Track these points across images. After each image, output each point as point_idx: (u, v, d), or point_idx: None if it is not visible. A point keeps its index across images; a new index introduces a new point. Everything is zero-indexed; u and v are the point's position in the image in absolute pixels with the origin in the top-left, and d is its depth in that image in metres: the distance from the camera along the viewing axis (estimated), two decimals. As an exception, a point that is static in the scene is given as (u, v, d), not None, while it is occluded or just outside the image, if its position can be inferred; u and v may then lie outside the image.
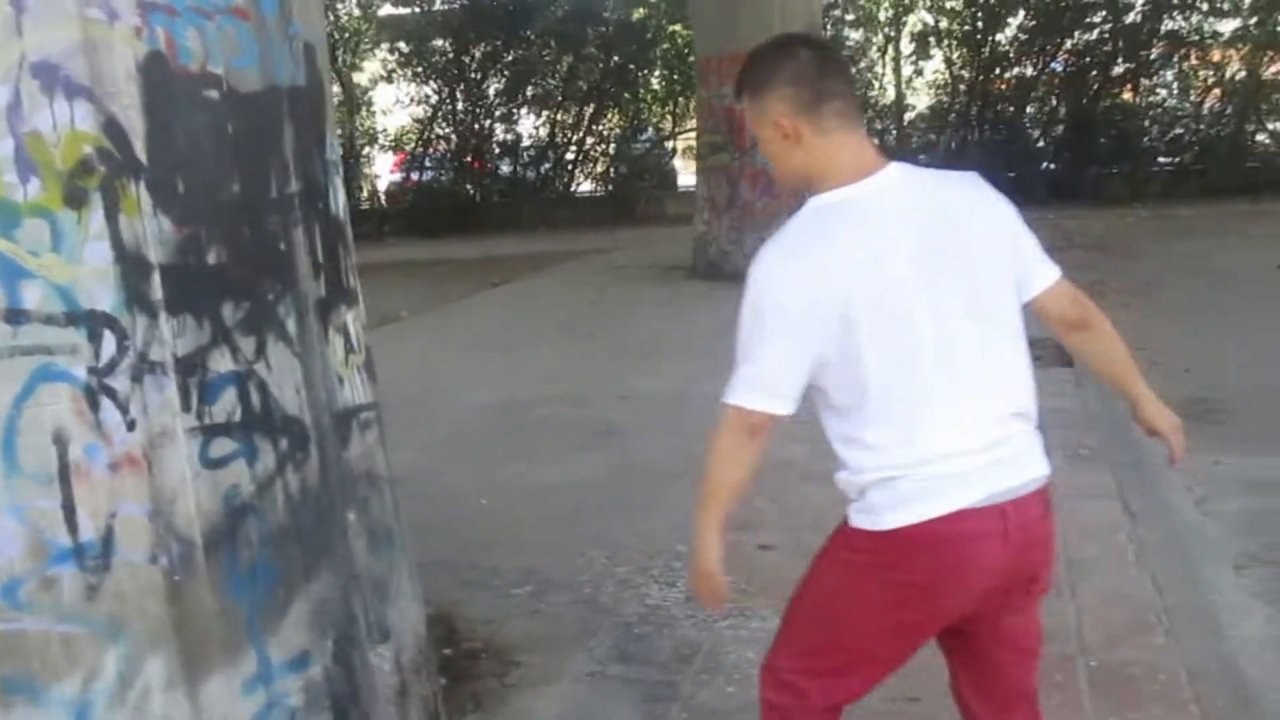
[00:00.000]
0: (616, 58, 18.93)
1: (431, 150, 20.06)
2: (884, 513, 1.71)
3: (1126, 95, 18.25)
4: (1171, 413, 2.05)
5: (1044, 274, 1.90)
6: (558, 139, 19.75)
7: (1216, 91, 17.76)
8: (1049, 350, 6.28)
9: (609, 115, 19.91)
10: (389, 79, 19.75)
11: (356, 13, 19.71)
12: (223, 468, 1.93)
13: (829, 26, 18.84)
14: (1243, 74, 17.34)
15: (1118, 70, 17.97)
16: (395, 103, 20.18)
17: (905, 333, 1.69)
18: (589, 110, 19.54)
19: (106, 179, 1.77)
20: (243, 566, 1.98)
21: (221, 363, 1.92)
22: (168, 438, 1.85)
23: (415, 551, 3.74)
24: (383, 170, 21.44)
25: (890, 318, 1.68)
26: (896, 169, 1.74)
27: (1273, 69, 17.34)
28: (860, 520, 1.75)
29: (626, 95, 19.42)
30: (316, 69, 2.20)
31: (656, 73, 19.63)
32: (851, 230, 1.69)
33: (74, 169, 1.74)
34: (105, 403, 1.79)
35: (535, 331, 8.06)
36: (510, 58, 18.99)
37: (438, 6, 19.15)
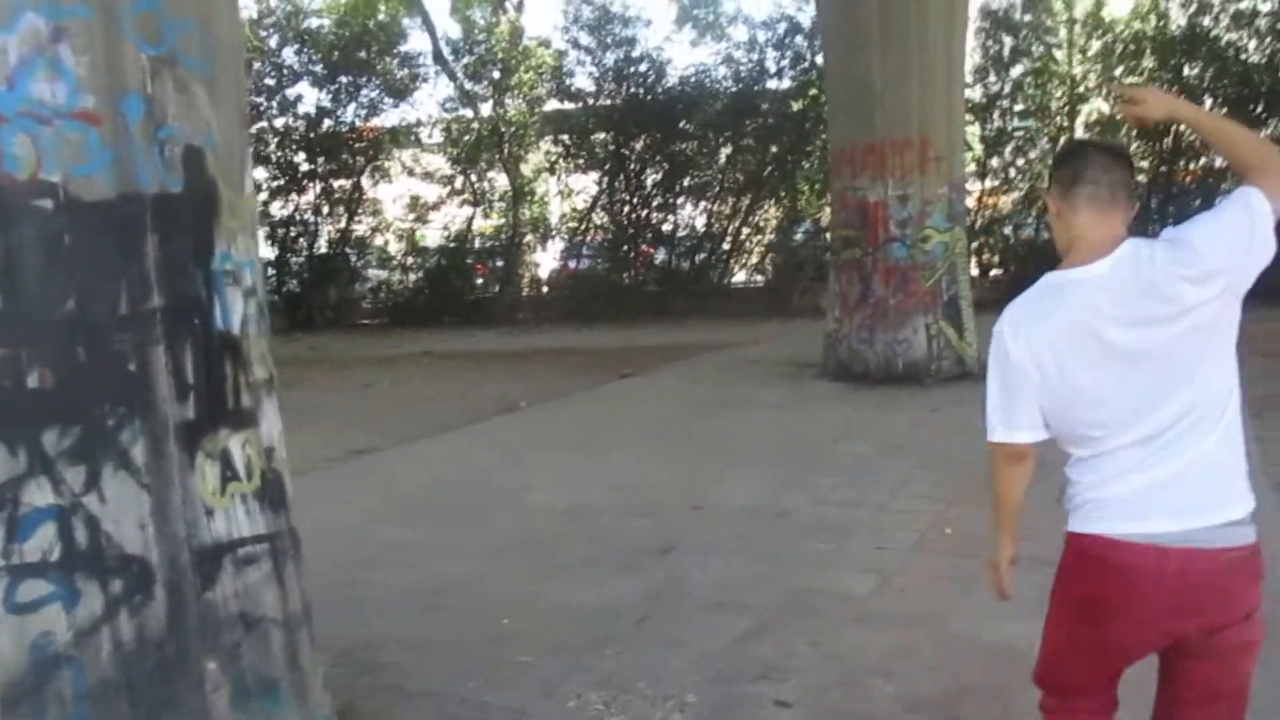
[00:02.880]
0: (774, 148, 18.81)
1: (590, 239, 20.37)
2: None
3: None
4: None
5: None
6: (714, 229, 19.68)
7: None
8: None
9: (766, 206, 19.74)
10: (551, 170, 20.27)
11: (523, 107, 20.34)
12: (32, 613, 1.74)
13: (997, 117, 18.20)
14: None
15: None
16: (557, 194, 20.70)
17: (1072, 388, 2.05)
18: (746, 201, 19.44)
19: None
20: (50, 726, 1.76)
21: (38, 495, 1.74)
22: (-40, 579, 1.67)
23: (411, 677, 3.52)
24: (545, 259, 21.90)
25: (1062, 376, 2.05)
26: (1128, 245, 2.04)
27: None
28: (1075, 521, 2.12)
29: (784, 186, 19.21)
30: (203, 172, 2.04)
31: (815, 163, 19.38)
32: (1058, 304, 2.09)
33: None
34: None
35: (635, 429, 7.79)
36: (669, 149, 19.16)
37: (600, 102, 19.56)
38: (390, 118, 20.87)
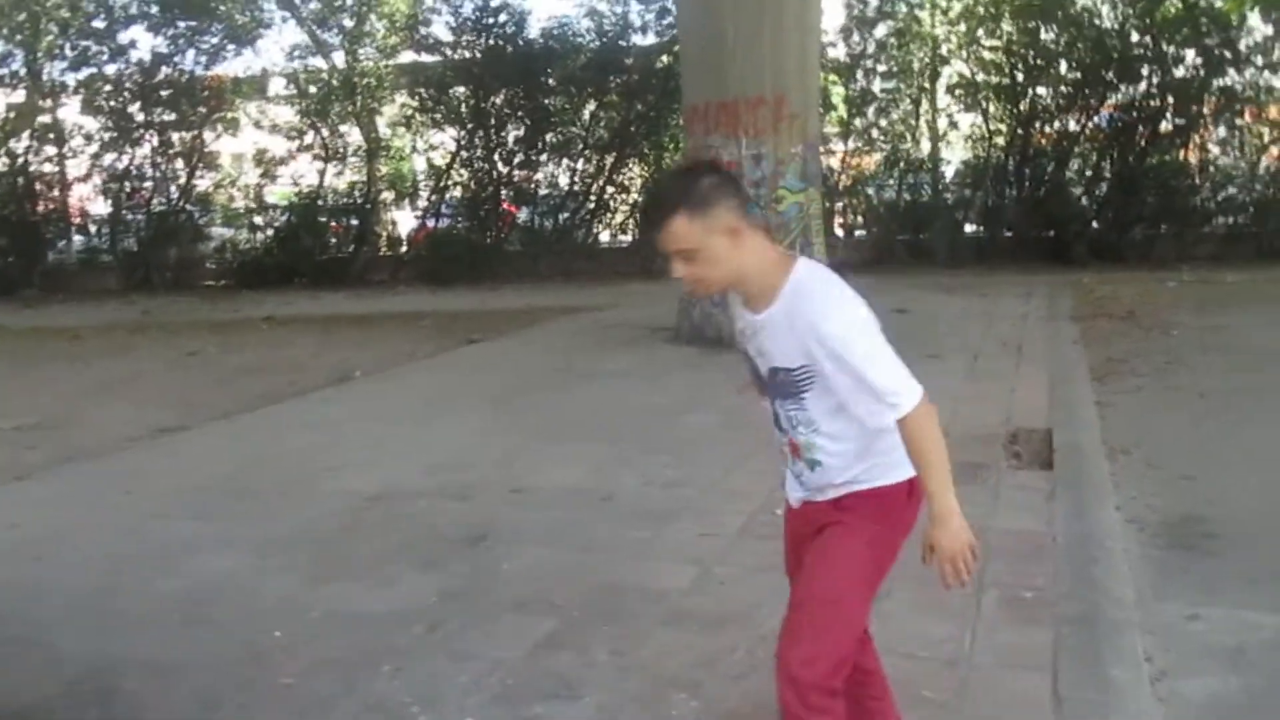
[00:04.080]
0: (639, 105, 18.37)
1: (448, 197, 19.62)
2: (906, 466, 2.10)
3: (1179, 153, 17.20)
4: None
5: None
6: (578, 187, 19.17)
7: (1274, 150, 16.67)
8: (1030, 447, 5.41)
9: (631, 164, 19.31)
10: (408, 125, 19.39)
11: (376, 57, 19.38)
12: None
13: (861, 77, 18.14)
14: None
15: (1167, 126, 16.96)
16: (412, 149, 19.86)
17: None
18: (610, 159, 18.97)
19: None
20: None
21: None
22: None
23: (149, 708, 3.01)
24: (405, 217, 21.04)
25: None
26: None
27: (1334, 127, 16.24)
28: (895, 475, 2.14)
29: (649, 144, 18.81)
30: None
31: (680, 122, 18.99)
32: None
33: None
34: None
35: (469, 401, 7.32)
36: (530, 105, 18.52)
37: (458, 54, 18.75)
38: (234, 66, 19.68)
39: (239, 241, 20.11)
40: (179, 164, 19.66)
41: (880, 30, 18.06)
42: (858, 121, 18.15)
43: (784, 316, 2.04)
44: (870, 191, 18.58)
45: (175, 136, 19.48)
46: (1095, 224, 17.21)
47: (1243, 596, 3.59)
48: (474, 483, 5.15)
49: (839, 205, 18.40)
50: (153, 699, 3.06)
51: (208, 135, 19.61)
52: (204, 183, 20.00)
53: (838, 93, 17.99)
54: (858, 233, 18.94)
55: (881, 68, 18.16)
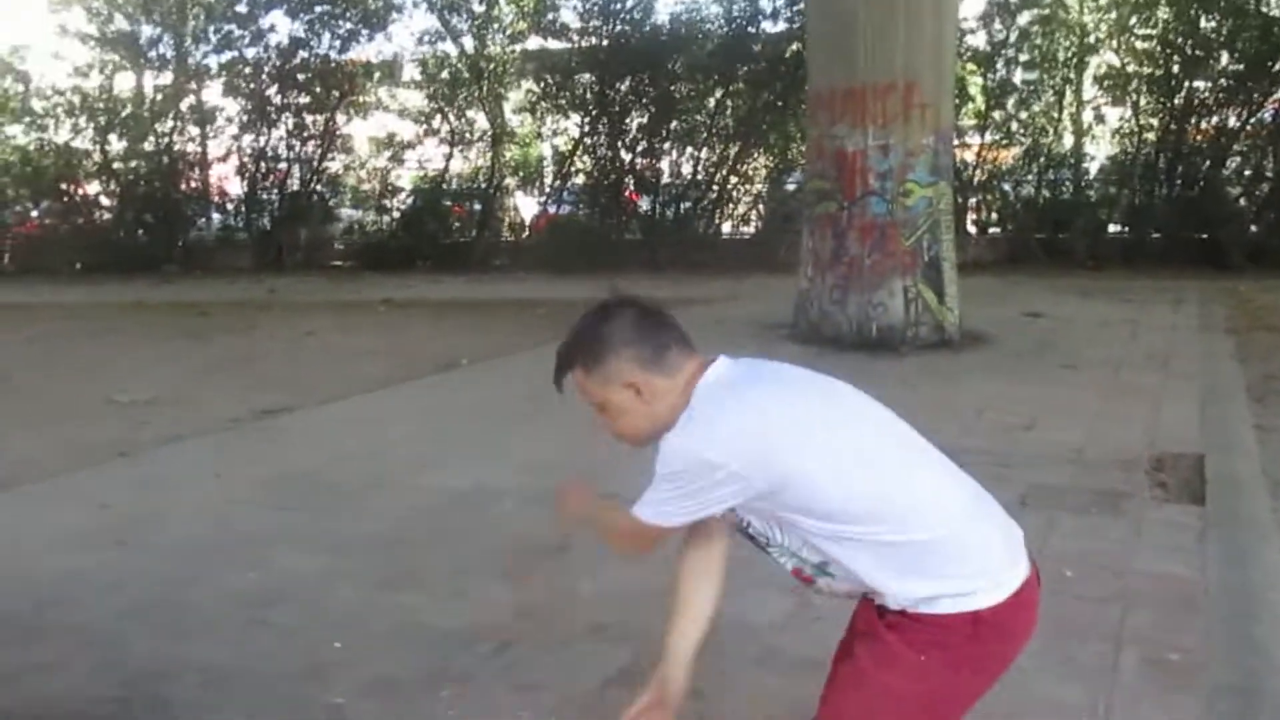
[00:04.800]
0: (767, 94, 17.89)
1: (571, 184, 19.52)
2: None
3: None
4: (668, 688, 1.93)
5: None
6: (700, 177, 18.82)
7: None
8: (1178, 475, 4.87)
9: (756, 154, 18.85)
10: (533, 111, 19.36)
11: (505, 43, 19.40)
12: None
13: (1001, 67, 17.29)
14: None
15: (1339, 123, 15.64)
16: (537, 136, 19.82)
17: None
18: (735, 148, 18.55)
19: None
20: None
21: None
22: None
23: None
24: (528, 203, 21.05)
25: None
26: None
27: None
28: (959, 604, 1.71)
29: (775, 134, 18.31)
30: None
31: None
32: None
33: None
34: None
35: (572, 397, 7.07)
36: (655, 92, 18.25)
37: (585, 40, 18.61)
38: (367, 50, 19.98)
39: (366, 223, 20.45)
40: (311, 146, 20.06)
41: (1024, 17, 17.16)
42: (996, 113, 17.29)
43: None
44: (1007, 187, 17.70)
45: (309, 119, 19.89)
46: (1254, 227, 16.01)
47: None
48: (565, 486, 4.89)
49: (973, 201, 17.58)
50: (202, 709, 2.89)
51: (340, 119, 19.97)
52: (335, 165, 20.39)
53: (975, 82, 17.16)
54: (992, 230, 18.06)
55: (1024, 57, 17.25)
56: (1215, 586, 3.54)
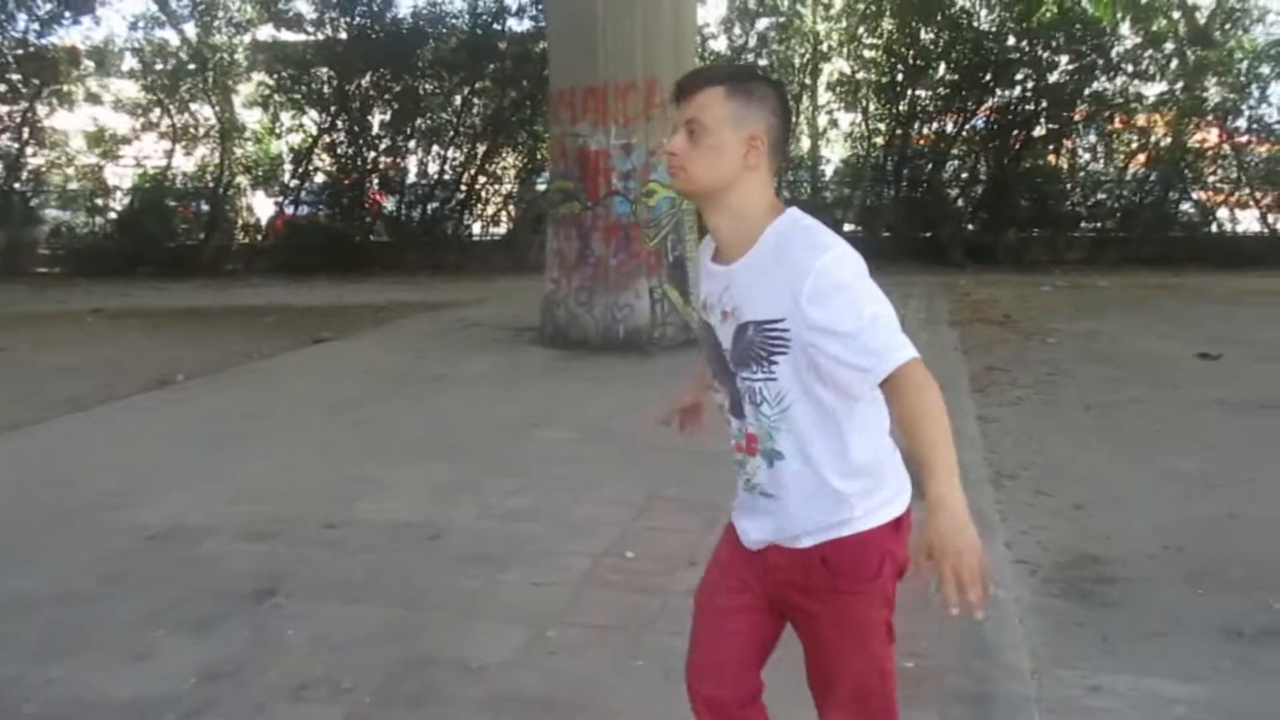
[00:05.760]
0: (514, 92, 17.58)
1: (309, 183, 18.50)
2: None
3: (1050, 157, 17.35)
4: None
5: None
6: (448, 176, 18.28)
7: (1141, 157, 16.92)
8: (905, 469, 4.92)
9: (505, 154, 18.51)
10: (265, 105, 18.20)
11: (232, 31, 18.12)
12: None
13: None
14: (1168, 140, 16.52)
15: (1040, 131, 17.05)
16: (272, 132, 18.66)
17: None
18: (483, 147, 18.14)
19: None
20: None
21: None
22: None
23: None
24: (265, 204, 19.77)
25: None
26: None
27: (1198, 136, 16.53)
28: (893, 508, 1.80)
29: (524, 133, 18.04)
30: None
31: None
32: None
33: None
34: None
35: (303, 412, 6.53)
36: (398, 88, 17.55)
37: (322, 33, 17.65)
38: (72, 35, 18.14)
39: (76, 225, 18.57)
40: (7, 139, 17.99)
41: (762, 24, 17.72)
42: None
43: (764, 259, 1.73)
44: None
45: (4, 110, 17.83)
46: (970, 226, 17.21)
47: (1147, 659, 3.13)
48: (282, 516, 4.40)
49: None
50: None
51: (41, 110, 18.02)
52: (37, 160, 18.39)
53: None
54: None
55: (763, 62, 17.79)
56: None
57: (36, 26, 17.58)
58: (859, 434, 1.75)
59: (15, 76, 17.62)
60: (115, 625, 3.35)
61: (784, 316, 1.68)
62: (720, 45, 17.69)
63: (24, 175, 18.28)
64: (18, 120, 17.85)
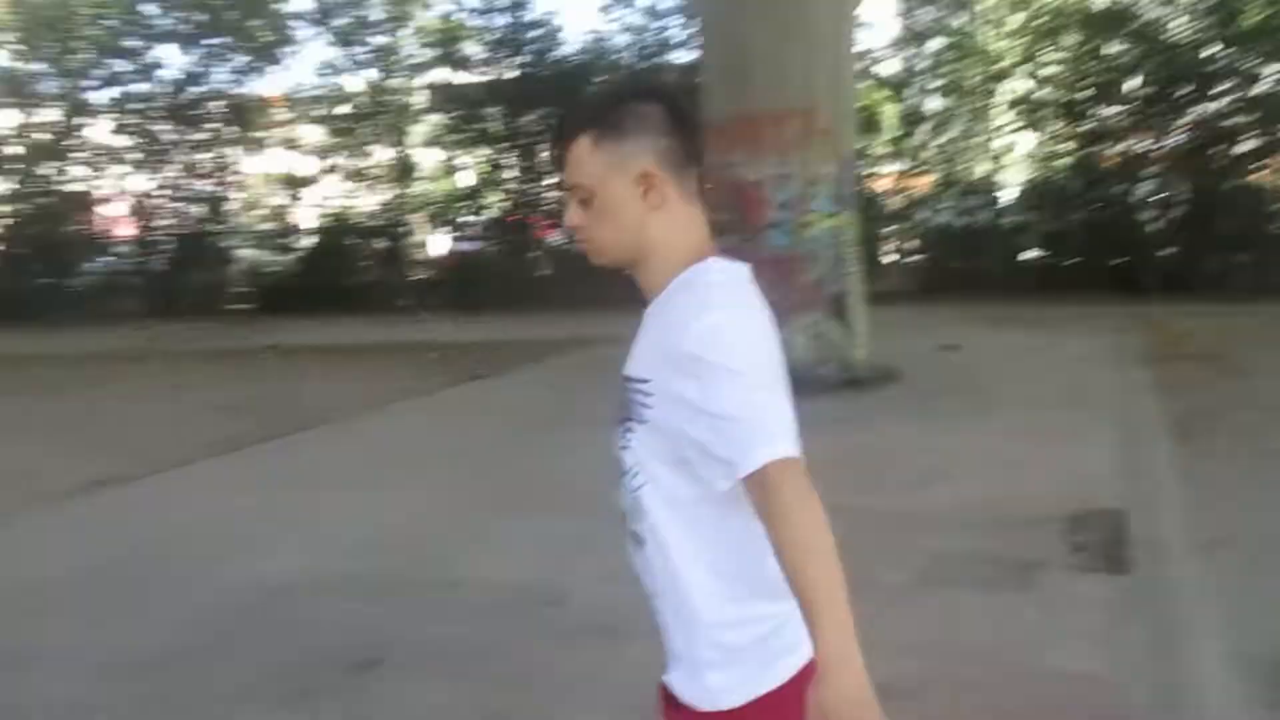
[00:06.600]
0: (678, 126, 17.41)
1: (479, 219, 18.87)
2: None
3: (1258, 174, 15.86)
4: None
5: None
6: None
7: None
8: (1098, 536, 4.33)
9: (669, 186, 18.35)
10: (439, 145, 18.70)
11: (409, 76, 18.75)
12: None
13: (913, 94, 17.09)
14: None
15: (1247, 146, 15.61)
16: (445, 171, 19.16)
17: None
18: (648, 182, 18.03)
19: None
20: None
21: None
22: None
23: None
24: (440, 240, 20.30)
25: None
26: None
27: None
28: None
29: (689, 166, 17.82)
30: None
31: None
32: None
33: None
34: None
35: (441, 456, 6.40)
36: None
37: (492, 72, 18.06)
38: (263, 84, 19.17)
39: (263, 264, 19.52)
40: (205, 184, 19.14)
41: (934, 44, 16.99)
42: (909, 141, 17.05)
43: (658, 308, 1.44)
44: (922, 215, 17.44)
45: (203, 156, 18.99)
46: (1166, 251, 15.89)
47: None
48: (399, 572, 4.21)
49: (887, 230, 17.27)
50: None
51: (235, 155, 19.09)
52: (231, 203, 19.48)
53: (888, 110, 16.92)
54: (907, 260, 17.77)
55: (935, 84, 17.06)
56: (1141, 687, 2.97)
57: (233, 78, 18.66)
58: (733, 550, 1.35)
59: (215, 125, 18.72)
60: (209, 696, 3.18)
61: (650, 378, 1.37)
62: (891, 68, 17.07)
63: (219, 217, 19.35)
64: (214, 166, 18.94)
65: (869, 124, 15.61)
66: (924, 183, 17.56)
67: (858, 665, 1.12)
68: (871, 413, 7.24)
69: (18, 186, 19.17)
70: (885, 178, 17.20)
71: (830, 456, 6.19)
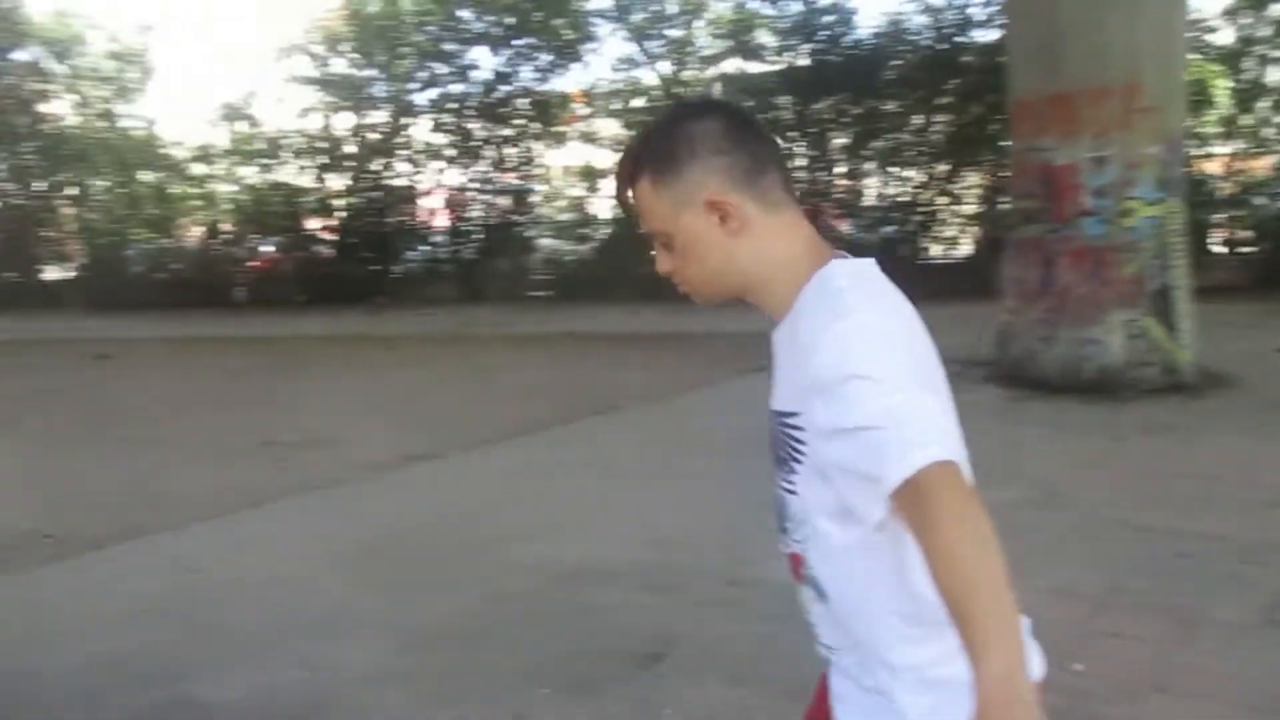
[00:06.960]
0: (977, 107, 16.58)
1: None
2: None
3: None
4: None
5: None
6: (905, 199, 17.68)
7: None
8: None
9: (968, 173, 17.53)
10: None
11: (700, 67, 18.99)
12: None
13: (1250, 66, 15.34)
14: None
15: None
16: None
17: None
18: (945, 167, 17.32)
19: None
20: None
21: None
22: None
23: None
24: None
25: None
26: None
27: None
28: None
29: (989, 150, 16.94)
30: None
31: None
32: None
33: None
34: None
35: (730, 446, 6.36)
36: (857, 110, 17.32)
37: (783, 60, 17.95)
38: (564, 82, 20.08)
39: (563, 253, 20.45)
40: (511, 177, 20.30)
41: (1276, 9, 15.14)
42: (1245, 119, 15.31)
43: (791, 330, 1.30)
44: (1259, 201, 15.63)
45: (510, 151, 20.16)
46: None
47: None
48: (688, 567, 4.20)
49: (1219, 218, 15.61)
50: None
51: (538, 149, 20.12)
52: (534, 195, 20.56)
53: (1220, 84, 15.27)
54: (1242, 250, 15.99)
55: (1276, 54, 15.21)
56: None
57: (537, 75, 19.67)
58: (916, 588, 1.18)
59: (521, 121, 19.82)
60: (503, 672, 3.29)
61: (797, 410, 1.23)
62: (1225, 37, 15.38)
63: (523, 208, 20.47)
64: (520, 160, 20.06)
65: (1199, 100, 14.15)
66: (1261, 165, 15.73)
67: (1030, 705, 0.95)
68: (1200, 422, 6.54)
69: (351, 182, 21.11)
70: (1216, 160, 15.56)
71: (1147, 470, 5.67)
